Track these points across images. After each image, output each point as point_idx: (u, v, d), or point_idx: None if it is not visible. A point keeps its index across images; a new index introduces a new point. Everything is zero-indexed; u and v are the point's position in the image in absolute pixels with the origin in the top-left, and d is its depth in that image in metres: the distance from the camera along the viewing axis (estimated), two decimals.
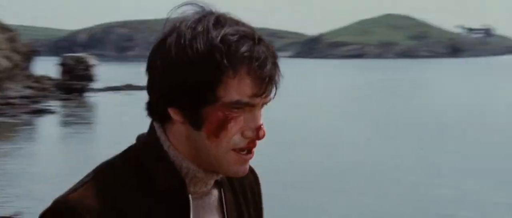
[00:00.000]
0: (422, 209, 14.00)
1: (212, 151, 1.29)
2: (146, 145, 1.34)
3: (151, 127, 1.35)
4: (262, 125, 1.28)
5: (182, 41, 1.25)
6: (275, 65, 1.28)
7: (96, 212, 1.25)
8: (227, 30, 1.25)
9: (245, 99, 1.25)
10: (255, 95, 1.26)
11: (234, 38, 1.24)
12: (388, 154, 21.30)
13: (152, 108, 1.33)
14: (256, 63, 1.24)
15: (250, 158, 1.32)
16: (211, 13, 1.28)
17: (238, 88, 1.25)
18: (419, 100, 43.73)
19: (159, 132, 1.33)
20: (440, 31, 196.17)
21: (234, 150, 1.29)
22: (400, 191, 15.86)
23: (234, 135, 1.27)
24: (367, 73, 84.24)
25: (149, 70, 1.32)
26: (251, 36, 1.26)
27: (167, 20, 1.31)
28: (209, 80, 1.24)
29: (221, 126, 1.26)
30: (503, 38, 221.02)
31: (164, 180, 1.31)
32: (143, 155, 1.33)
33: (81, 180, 1.32)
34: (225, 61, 1.23)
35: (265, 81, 1.25)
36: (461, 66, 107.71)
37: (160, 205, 1.30)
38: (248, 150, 1.30)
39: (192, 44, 1.24)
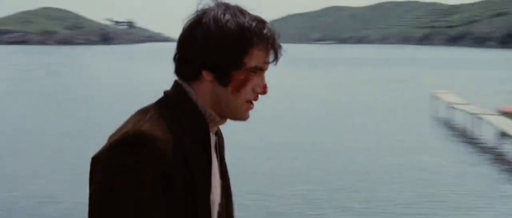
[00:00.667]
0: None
1: (232, 102, 1.57)
2: (179, 96, 1.57)
3: (178, 85, 1.59)
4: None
5: (219, 22, 1.53)
6: (279, 42, 1.60)
7: (161, 140, 1.45)
8: (248, 16, 1.56)
9: (261, 65, 1.58)
10: (267, 62, 1.59)
11: (255, 22, 1.56)
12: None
13: (184, 70, 1.58)
14: (271, 40, 1.57)
15: (253, 107, 1.61)
16: (229, 4, 1.58)
17: (257, 57, 1.56)
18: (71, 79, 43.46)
19: (187, 88, 1.58)
20: (92, 23, 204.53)
21: (247, 101, 1.59)
22: None
23: (249, 91, 1.58)
24: (31, 57, 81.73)
25: (186, 41, 1.57)
26: (263, 21, 1.58)
27: (198, 6, 1.58)
28: (239, 51, 1.54)
29: (243, 84, 1.56)
30: (143, 29, 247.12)
31: (194, 120, 1.56)
32: (178, 104, 1.56)
33: (139, 118, 1.51)
34: (253, 38, 1.54)
35: (276, 53, 1.59)
36: (110, 52, 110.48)
37: (191, 137, 1.53)
38: (253, 101, 1.61)
39: (227, 25, 1.53)
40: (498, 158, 15.78)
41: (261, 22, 1.58)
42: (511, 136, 16.07)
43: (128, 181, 1.43)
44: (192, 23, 1.58)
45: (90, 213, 1.48)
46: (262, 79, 1.61)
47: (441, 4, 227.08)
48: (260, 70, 1.59)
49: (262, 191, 11.56)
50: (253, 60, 1.56)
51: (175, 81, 1.62)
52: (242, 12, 1.57)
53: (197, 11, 1.59)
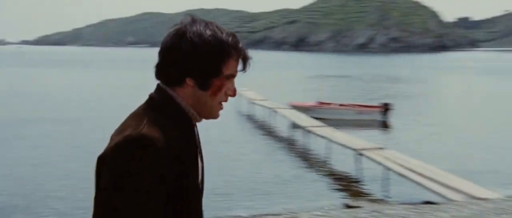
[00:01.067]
0: None
1: (209, 103, 1.71)
2: (164, 100, 1.68)
3: (162, 89, 1.70)
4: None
5: (203, 36, 1.65)
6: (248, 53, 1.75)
7: (161, 141, 1.57)
8: (224, 32, 1.69)
9: (234, 73, 1.71)
10: (239, 71, 1.73)
11: (230, 37, 1.69)
12: None
13: (168, 76, 1.68)
14: (244, 53, 1.72)
15: (223, 107, 1.76)
16: (207, 21, 1.71)
17: (232, 66, 1.70)
18: None
19: (171, 92, 1.69)
20: None
21: (220, 103, 1.73)
22: None
23: (223, 94, 1.72)
24: None
25: (171, 51, 1.66)
26: (236, 36, 1.72)
27: (181, 23, 1.70)
28: (219, 61, 1.67)
29: (219, 89, 1.70)
30: None
31: (181, 119, 1.69)
32: (165, 106, 1.68)
33: (138, 122, 1.60)
34: (231, 50, 1.68)
35: (246, 63, 1.73)
36: None
37: (182, 136, 1.66)
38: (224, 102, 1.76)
39: (210, 39, 1.65)
40: (291, 146, 16.78)
41: (235, 37, 1.70)
42: (301, 127, 17.16)
43: (133, 180, 1.54)
44: (177, 36, 1.66)
45: (97, 209, 1.60)
46: (233, 84, 1.73)
47: (245, 12, 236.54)
48: (232, 77, 1.71)
49: None
50: (229, 69, 1.69)
51: (159, 86, 1.71)
52: (219, 28, 1.69)
53: (179, 24, 1.69)
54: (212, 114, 1.75)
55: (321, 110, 21.92)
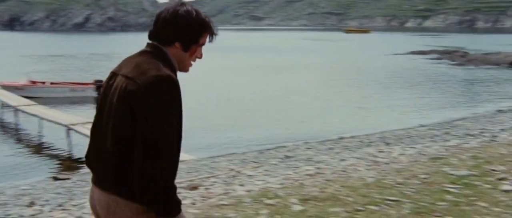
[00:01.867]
0: None
1: (186, 61, 2.41)
2: (161, 53, 2.34)
3: (158, 46, 2.36)
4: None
5: (191, 15, 2.35)
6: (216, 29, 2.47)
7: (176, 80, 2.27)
8: (202, 14, 2.41)
9: (204, 43, 2.43)
10: (209, 41, 2.46)
11: (207, 18, 2.42)
12: None
13: (162, 39, 2.35)
14: (213, 30, 2.43)
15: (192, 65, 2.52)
16: (190, 5, 2.40)
17: (204, 38, 2.43)
18: None
19: (165, 50, 2.35)
20: None
21: (191, 62, 2.45)
22: None
23: (195, 56, 2.44)
24: None
25: (167, 22, 2.34)
26: (209, 17, 2.44)
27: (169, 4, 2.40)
28: (199, 34, 2.39)
29: (194, 52, 2.42)
30: None
31: (173, 69, 2.35)
32: (162, 58, 2.32)
33: (157, 64, 2.27)
34: (206, 27, 2.41)
35: (214, 37, 2.45)
36: None
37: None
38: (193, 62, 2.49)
39: (195, 17, 2.36)
40: (0, 126, 16.20)
41: (208, 18, 2.42)
42: (11, 106, 16.65)
43: (170, 107, 2.18)
44: (172, 12, 2.33)
45: (152, 127, 2.15)
46: (201, 50, 2.44)
47: None
48: (202, 45, 2.42)
49: None
50: (203, 39, 2.41)
51: (154, 44, 2.36)
52: (198, 11, 2.39)
53: (172, 5, 2.37)
54: (185, 69, 2.45)
55: (33, 89, 21.39)
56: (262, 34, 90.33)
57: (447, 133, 12.48)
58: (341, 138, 13.26)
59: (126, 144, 2.19)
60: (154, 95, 2.15)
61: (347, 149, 10.84)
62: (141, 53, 2.34)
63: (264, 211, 4.97)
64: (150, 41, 2.36)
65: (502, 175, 6.01)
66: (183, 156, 12.27)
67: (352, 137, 13.46)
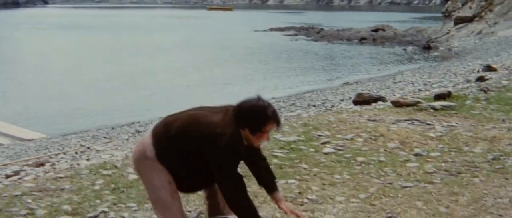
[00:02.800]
0: None
1: (253, 141, 3.26)
2: (237, 128, 3.20)
3: (237, 129, 3.19)
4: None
5: (259, 109, 3.22)
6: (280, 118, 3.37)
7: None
8: (271, 109, 3.25)
9: (269, 131, 3.24)
10: (275, 130, 3.32)
11: (272, 112, 3.24)
12: None
13: (238, 123, 3.19)
14: (277, 120, 3.25)
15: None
16: (265, 100, 3.29)
17: (269, 127, 3.22)
18: None
19: (239, 128, 3.21)
20: None
21: (258, 143, 3.33)
22: None
23: (260, 140, 3.28)
24: None
25: (241, 112, 3.22)
26: (275, 111, 3.29)
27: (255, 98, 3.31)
28: (264, 125, 3.20)
29: (259, 137, 3.24)
30: None
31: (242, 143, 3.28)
32: (238, 131, 3.22)
33: (231, 127, 3.21)
34: (269, 119, 3.21)
35: (279, 126, 3.27)
36: None
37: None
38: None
39: (261, 111, 3.21)
40: None
41: (274, 112, 3.27)
42: None
43: (231, 156, 3.23)
44: (249, 104, 3.23)
45: (221, 171, 3.22)
46: (268, 135, 3.28)
47: None
48: (267, 132, 3.25)
49: None
50: (267, 128, 3.23)
51: (234, 122, 3.20)
52: (269, 105, 3.25)
53: (253, 99, 3.28)
54: (252, 146, 3.33)
55: None
56: (126, 12, 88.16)
57: (293, 104, 13.32)
58: None
59: None
60: (222, 147, 3.21)
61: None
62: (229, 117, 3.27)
63: (100, 181, 5.12)
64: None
65: (326, 140, 6.65)
66: (33, 134, 11.95)
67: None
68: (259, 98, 3.22)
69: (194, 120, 3.21)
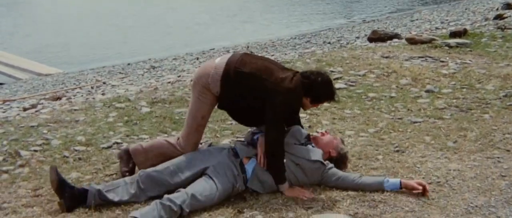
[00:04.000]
0: None
1: (307, 107, 3.66)
2: (301, 89, 3.52)
3: (301, 87, 3.51)
4: None
5: (326, 83, 3.56)
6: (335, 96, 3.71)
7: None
8: (332, 84, 3.65)
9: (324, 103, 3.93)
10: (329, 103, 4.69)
11: (333, 88, 3.63)
12: None
13: (305, 90, 3.50)
14: (334, 97, 3.62)
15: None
16: (328, 75, 3.65)
17: (326, 101, 3.71)
18: None
19: (304, 93, 3.54)
20: None
21: (311, 108, 4.00)
22: None
23: (314, 107, 3.79)
24: None
25: (311, 84, 3.52)
26: (334, 88, 3.68)
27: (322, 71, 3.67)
28: (323, 98, 3.62)
29: (315, 105, 3.68)
30: None
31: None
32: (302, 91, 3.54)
33: (295, 83, 3.49)
34: (329, 95, 3.60)
35: (334, 100, 3.70)
36: None
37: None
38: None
39: (326, 85, 3.56)
40: None
41: (334, 88, 3.62)
42: None
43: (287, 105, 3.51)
44: (317, 76, 3.53)
45: (272, 120, 3.45)
46: (319, 105, 3.85)
47: None
48: (322, 104, 3.76)
49: None
50: (324, 101, 3.66)
51: (299, 90, 3.50)
52: (331, 82, 3.59)
53: (322, 72, 3.62)
54: (304, 109, 3.72)
55: None
56: None
57: (308, 41, 13.20)
58: (212, 49, 13.57)
59: None
60: (283, 97, 3.49)
61: (213, 58, 11.18)
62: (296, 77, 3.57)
63: (114, 114, 5.18)
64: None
65: (338, 75, 6.63)
66: (50, 69, 12.06)
67: (224, 47, 13.82)
68: (327, 75, 3.61)
69: (268, 70, 3.50)
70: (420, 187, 3.42)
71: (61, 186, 3.24)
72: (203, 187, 3.25)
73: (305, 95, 3.52)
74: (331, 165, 3.62)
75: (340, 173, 3.57)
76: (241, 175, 3.43)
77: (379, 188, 3.44)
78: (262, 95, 3.45)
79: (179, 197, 3.15)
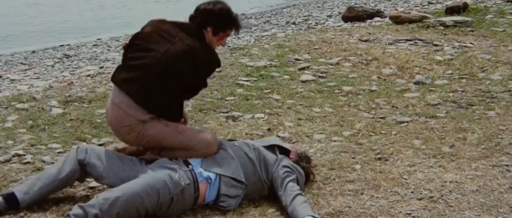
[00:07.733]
0: None
1: (213, 44, 3.93)
2: (199, 33, 3.86)
3: (198, 28, 3.87)
4: None
5: (226, 10, 3.90)
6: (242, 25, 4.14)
7: None
8: (233, 11, 3.97)
9: (230, 34, 3.99)
10: (234, 34, 4.11)
11: (236, 14, 3.95)
12: None
13: (200, 23, 3.86)
14: (239, 25, 3.96)
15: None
16: (225, 2, 3.98)
17: (231, 31, 3.94)
18: None
19: (203, 29, 3.88)
20: None
21: (217, 46, 4.03)
22: None
23: (220, 43, 4.02)
24: None
25: (206, 12, 3.87)
26: (237, 14, 3.99)
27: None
28: (229, 26, 3.90)
29: (221, 38, 3.94)
30: None
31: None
32: (199, 37, 3.87)
33: (198, 37, 3.86)
34: (234, 22, 3.91)
35: (239, 31, 4.03)
36: None
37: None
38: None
39: (227, 12, 3.92)
40: None
41: (237, 15, 3.92)
42: None
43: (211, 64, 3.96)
44: (212, 3, 3.88)
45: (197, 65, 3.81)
46: (226, 39, 4.00)
47: None
48: (228, 35, 3.95)
49: None
50: (229, 31, 3.91)
51: (195, 24, 3.86)
52: (230, 8, 3.93)
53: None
54: (214, 46, 3.98)
55: None
56: None
57: (267, 22, 13.26)
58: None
59: None
60: (202, 56, 3.85)
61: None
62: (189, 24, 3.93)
63: (13, 117, 5.07)
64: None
65: (305, 64, 6.69)
66: None
67: None
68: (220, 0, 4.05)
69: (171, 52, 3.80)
70: None
71: None
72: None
73: (205, 27, 3.87)
74: (287, 161, 3.72)
75: (291, 179, 3.59)
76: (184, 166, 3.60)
77: None
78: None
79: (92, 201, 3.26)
